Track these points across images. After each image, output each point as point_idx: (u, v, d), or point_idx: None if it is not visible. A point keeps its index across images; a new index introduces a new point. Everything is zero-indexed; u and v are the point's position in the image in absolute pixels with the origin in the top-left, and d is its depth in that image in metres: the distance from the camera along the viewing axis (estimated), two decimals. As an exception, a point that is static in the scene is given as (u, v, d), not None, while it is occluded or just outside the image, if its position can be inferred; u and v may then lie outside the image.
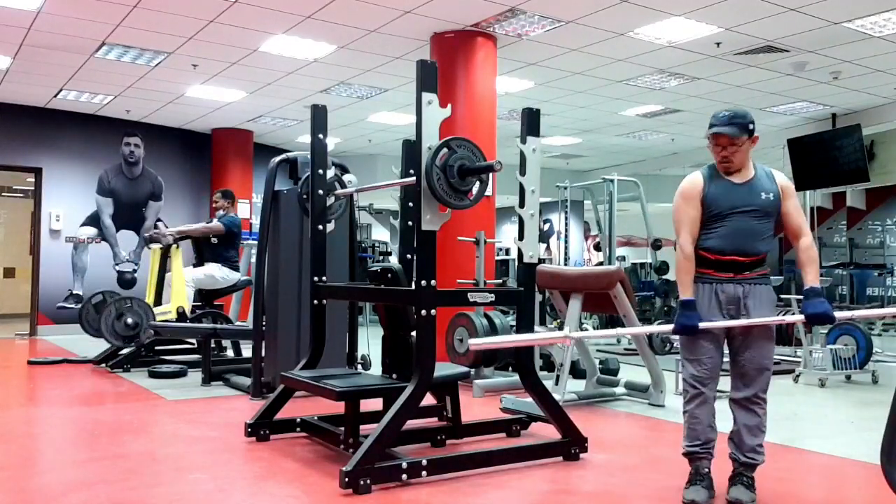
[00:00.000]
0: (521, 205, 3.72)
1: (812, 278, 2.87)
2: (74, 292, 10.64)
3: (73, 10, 6.64)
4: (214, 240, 7.33)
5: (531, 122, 3.75)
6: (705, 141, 3.10)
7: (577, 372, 5.86)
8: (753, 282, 2.95)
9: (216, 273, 7.26)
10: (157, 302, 7.17)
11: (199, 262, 7.55)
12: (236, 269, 7.43)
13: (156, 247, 7.46)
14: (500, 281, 8.42)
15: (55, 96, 9.73)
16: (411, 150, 4.46)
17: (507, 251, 15.07)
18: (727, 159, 2.95)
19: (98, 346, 7.41)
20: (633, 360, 6.75)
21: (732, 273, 2.93)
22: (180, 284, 7.06)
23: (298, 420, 4.20)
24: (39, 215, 10.58)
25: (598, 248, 12.23)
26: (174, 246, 7.22)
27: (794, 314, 7.06)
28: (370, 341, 6.77)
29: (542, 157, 3.87)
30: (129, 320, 6.68)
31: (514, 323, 4.43)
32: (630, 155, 13.80)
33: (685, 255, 2.95)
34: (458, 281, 6.16)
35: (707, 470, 2.99)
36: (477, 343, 3.73)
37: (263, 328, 5.47)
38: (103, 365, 6.94)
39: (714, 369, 2.96)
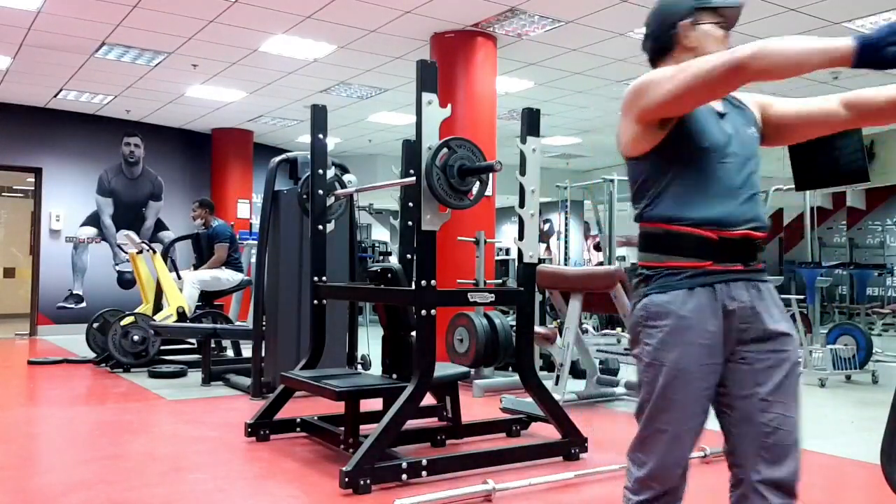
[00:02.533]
0: (521, 205, 3.72)
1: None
2: (74, 292, 10.64)
3: (73, 10, 6.64)
4: (209, 252, 7.40)
5: (531, 122, 3.75)
6: None
7: (577, 372, 5.86)
8: (764, 280, 1.73)
9: (222, 275, 7.29)
10: (158, 307, 7.19)
11: (199, 264, 7.56)
12: (240, 269, 7.46)
13: (131, 251, 7.53)
14: (500, 281, 8.42)
15: (55, 96, 9.73)
16: (411, 150, 4.46)
17: (507, 251, 15.06)
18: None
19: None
20: (632, 360, 6.73)
21: (742, 263, 1.68)
22: (171, 286, 7.09)
23: (298, 420, 4.20)
24: (39, 215, 10.58)
25: (598, 248, 12.24)
26: (148, 251, 7.39)
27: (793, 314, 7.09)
28: (370, 341, 6.77)
29: (542, 157, 3.87)
30: (136, 337, 6.69)
31: (514, 323, 4.42)
32: (630, 155, 13.79)
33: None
34: (458, 281, 6.16)
35: None
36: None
37: (263, 328, 5.47)
38: (103, 365, 6.95)
39: (690, 450, 1.74)
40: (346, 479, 3.06)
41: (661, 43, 1.80)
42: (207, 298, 7.39)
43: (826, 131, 1.83)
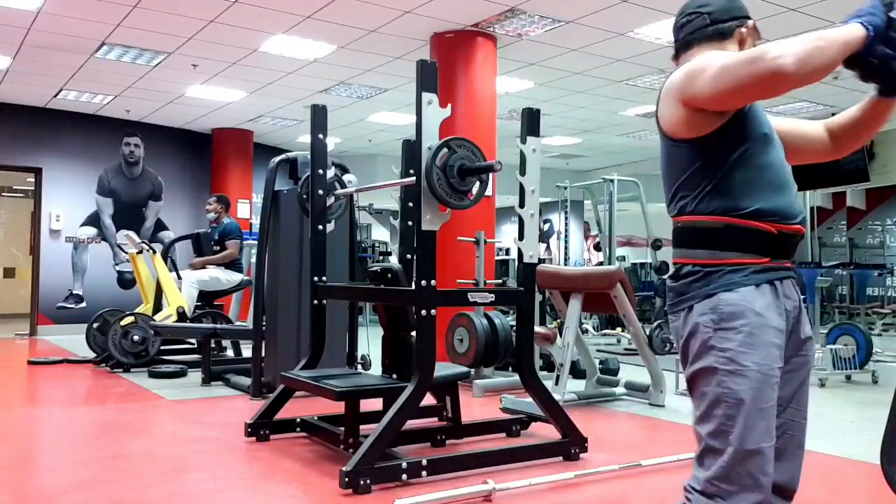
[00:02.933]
0: (521, 205, 3.72)
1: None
2: (74, 292, 10.64)
3: (73, 10, 6.64)
4: (216, 248, 7.40)
5: (531, 122, 3.75)
6: None
7: (577, 372, 5.86)
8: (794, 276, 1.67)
9: (221, 275, 7.30)
10: (158, 307, 7.20)
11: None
12: (240, 269, 7.47)
13: (131, 251, 7.54)
14: (500, 281, 8.43)
15: (55, 96, 9.73)
16: (411, 150, 4.46)
17: (507, 251, 15.08)
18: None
19: (98, 346, 7.42)
20: (633, 360, 6.74)
21: (790, 260, 1.63)
22: (171, 286, 7.11)
23: (298, 420, 4.20)
24: (39, 215, 10.58)
25: (598, 248, 12.24)
26: (148, 251, 7.40)
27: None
28: (370, 341, 6.77)
29: (542, 157, 3.87)
30: (136, 337, 6.69)
31: (514, 323, 4.42)
32: (630, 155, 13.80)
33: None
34: (458, 281, 6.16)
35: None
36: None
37: (263, 328, 5.47)
38: (103, 365, 6.95)
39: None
40: (346, 479, 3.06)
41: (720, 28, 1.70)
42: (207, 298, 7.40)
43: (810, 157, 1.78)
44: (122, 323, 6.76)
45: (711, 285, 1.55)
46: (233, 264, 7.40)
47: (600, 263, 11.38)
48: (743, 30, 1.70)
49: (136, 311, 7.18)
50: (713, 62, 1.52)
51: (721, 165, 1.57)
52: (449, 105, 3.44)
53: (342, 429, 3.77)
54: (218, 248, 7.40)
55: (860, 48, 1.40)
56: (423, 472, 3.25)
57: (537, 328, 4.75)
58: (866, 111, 1.65)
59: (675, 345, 1.70)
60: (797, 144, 1.75)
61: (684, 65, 1.62)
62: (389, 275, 3.88)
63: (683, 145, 1.61)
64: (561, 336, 5.16)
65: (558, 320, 6.79)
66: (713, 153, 1.57)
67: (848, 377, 6.37)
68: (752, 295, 1.53)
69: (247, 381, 5.60)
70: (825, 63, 1.39)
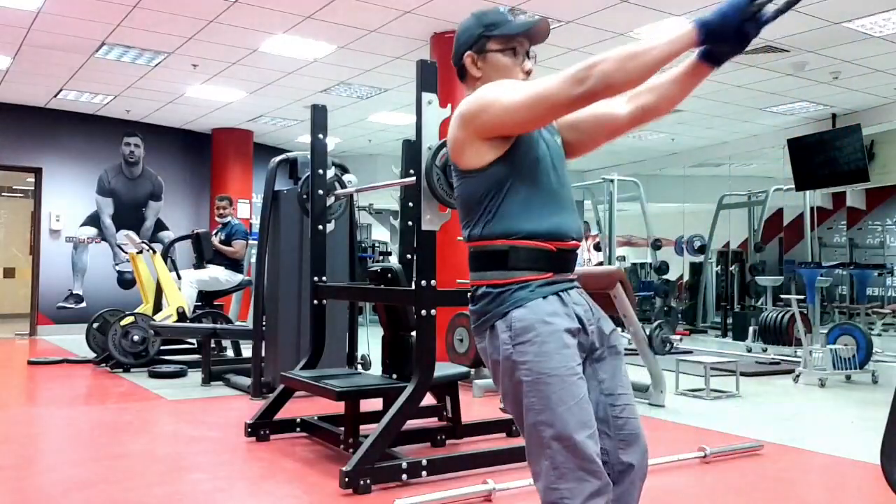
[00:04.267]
0: (521, 205, 3.72)
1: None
2: (74, 292, 10.64)
3: (73, 10, 6.64)
4: (218, 244, 7.40)
5: (531, 122, 3.74)
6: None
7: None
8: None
9: (220, 275, 7.31)
10: (158, 307, 7.21)
11: (199, 264, 7.57)
12: (240, 270, 7.48)
13: (131, 251, 7.55)
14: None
15: (55, 96, 9.72)
16: (411, 150, 4.45)
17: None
18: (530, 77, 1.80)
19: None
20: (632, 360, 6.74)
21: (571, 272, 1.75)
22: (171, 286, 7.11)
23: (298, 420, 4.20)
24: (39, 215, 10.58)
25: (598, 248, 12.24)
26: (147, 251, 7.42)
27: (793, 313, 7.10)
28: (370, 341, 6.77)
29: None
30: (136, 337, 6.70)
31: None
32: (630, 155, 13.79)
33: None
34: (458, 281, 6.16)
35: None
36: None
37: (263, 328, 5.47)
38: (103, 365, 6.95)
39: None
40: (346, 479, 3.07)
41: (458, 71, 1.85)
42: (207, 298, 7.40)
43: (614, 134, 1.83)
44: (122, 323, 6.77)
45: (504, 304, 1.65)
46: (234, 264, 7.40)
47: (600, 263, 11.38)
48: (465, 62, 1.83)
49: (136, 311, 7.18)
50: (504, 88, 1.63)
51: (499, 192, 1.67)
52: (449, 105, 3.44)
53: (342, 429, 3.78)
54: (221, 245, 7.41)
55: (696, 42, 1.48)
56: (423, 472, 3.26)
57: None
58: (686, 75, 1.67)
59: (486, 365, 1.76)
60: (594, 130, 1.82)
61: (471, 96, 1.70)
62: (389, 275, 3.88)
63: (471, 176, 1.70)
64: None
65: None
66: (494, 181, 1.67)
67: (848, 377, 6.37)
68: (539, 306, 1.64)
69: (247, 381, 5.60)
70: (638, 75, 1.50)
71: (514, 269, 1.66)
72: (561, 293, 1.68)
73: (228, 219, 7.51)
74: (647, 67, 1.49)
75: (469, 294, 1.76)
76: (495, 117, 1.62)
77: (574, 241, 1.72)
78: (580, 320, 1.69)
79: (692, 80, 1.67)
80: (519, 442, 4.06)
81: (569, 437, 1.57)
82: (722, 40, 1.49)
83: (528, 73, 1.78)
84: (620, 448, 1.71)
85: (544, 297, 1.65)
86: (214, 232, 7.65)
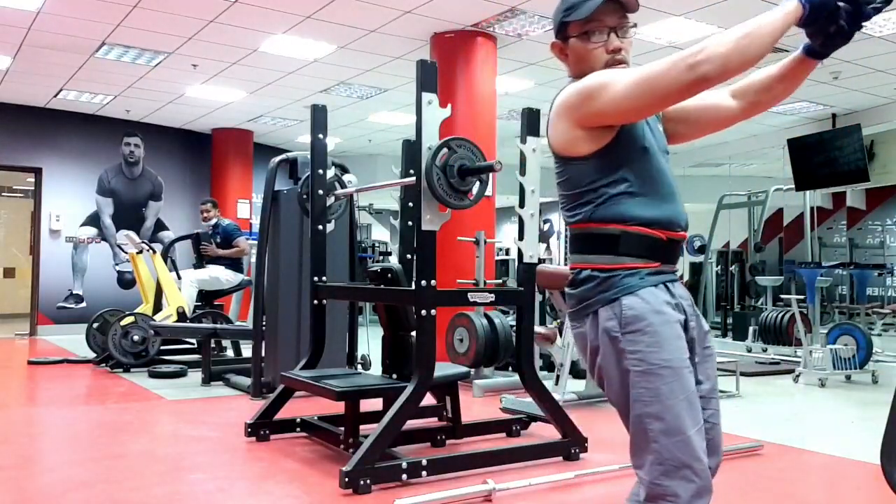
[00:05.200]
0: (521, 205, 3.72)
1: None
2: (74, 292, 10.64)
3: (73, 10, 6.64)
4: (218, 250, 7.40)
5: (531, 122, 3.75)
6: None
7: (577, 372, 5.86)
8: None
9: (221, 275, 7.30)
10: (158, 307, 7.21)
11: (199, 263, 7.57)
12: (241, 269, 7.47)
13: (131, 251, 7.55)
14: (500, 281, 8.42)
15: (55, 96, 9.72)
16: (411, 150, 4.47)
17: (507, 251, 15.07)
18: (622, 56, 1.70)
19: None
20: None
21: (675, 265, 1.71)
22: (171, 286, 7.11)
23: (298, 420, 4.20)
24: (39, 215, 10.58)
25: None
26: (147, 251, 7.42)
27: (792, 314, 7.10)
28: (370, 341, 6.77)
29: (542, 157, 3.87)
30: (136, 337, 6.69)
31: (514, 323, 4.43)
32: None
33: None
34: (458, 281, 6.16)
35: None
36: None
37: (263, 328, 5.47)
38: (103, 365, 6.95)
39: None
40: (346, 479, 3.07)
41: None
42: (207, 298, 7.40)
43: (723, 125, 1.80)
44: (122, 323, 6.76)
45: (612, 290, 1.61)
46: (234, 263, 7.39)
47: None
48: (554, 50, 1.81)
49: (136, 311, 7.18)
50: (613, 77, 1.58)
51: (609, 179, 1.63)
52: (449, 105, 3.45)
53: (342, 429, 3.78)
54: (221, 247, 7.41)
55: (800, 17, 1.44)
56: (423, 472, 3.26)
57: (537, 328, 4.76)
58: (790, 68, 1.65)
59: (580, 351, 1.73)
60: (704, 120, 1.78)
61: (574, 85, 1.67)
62: (389, 275, 3.88)
63: (574, 163, 1.67)
64: (561, 336, 5.16)
65: (558, 320, 6.80)
66: (602, 168, 1.63)
67: (848, 377, 6.37)
68: (652, 295, 1.60)
69: (247, 381, 5.60)
70: (753, 55, 1.43)
71: (626, 254, 1.62)
72: (668, 284, 1.64)
73: (215, 220, 7.49)
74: (763, 45, 1.43)
75: (570, 278, 1.71)
76: (602, 107, 1.58)
77: (683, 232, 1.68)
78: (686, 314, 1.66)
79: (798, 75, 1.65)
80: (519, 442, 4.07)
81: (678, 431, 1.53)
82: (823, 17, 1.45)
83: (614, 51, 1.68)
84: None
85: (655, 286, 1.61)
86: (203, 240, 7.60)
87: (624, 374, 1.59)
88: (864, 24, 1.48)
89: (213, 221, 7.50)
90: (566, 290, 1.73)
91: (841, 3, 1.45)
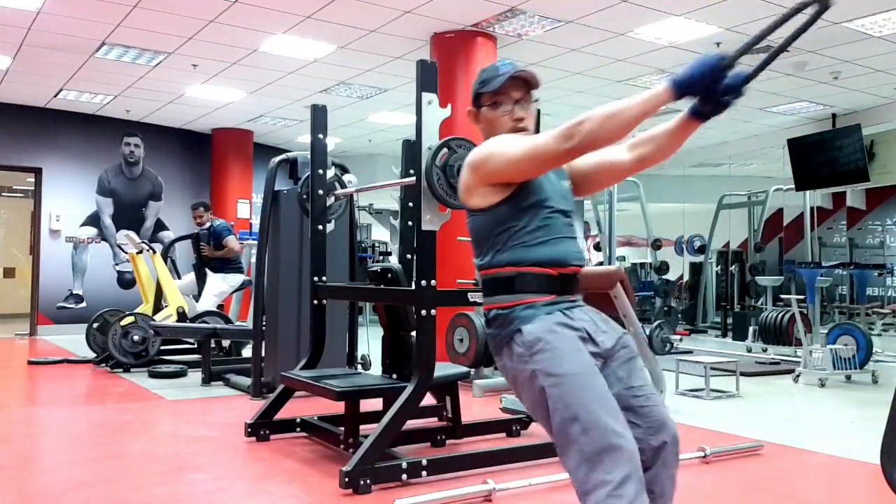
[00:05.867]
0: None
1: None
2: (74, 292, 10.64)
3: (73, 10, 6.64)
4: (214, 253, 7.38)
5: (531, 122, 3.74)
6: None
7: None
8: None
9: (223, 287, 7.28)
10: (158, 307, 7.20)
11: (199, 264, 7.56)
12: (241, 270, 7.45)
13: (131, 251, 7.54)
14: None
15: (55, 96, 9.72)
16: (411, 150, 4.46)
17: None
18: (523, 123, 1.95)
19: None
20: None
21: (573, 294, 1.91)
22: (171, 286, 7.10)
23: (298, 420, 4.20)
24: (39, 215, 10.58)
25: (597, 248, 12.24)
26: (147, 251, 7.42)
27: (792, 314, 7.10)
28: (370, 341, 6.77)
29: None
30: (136, 337, 6.69)
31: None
32: (630, 155, 13.81)
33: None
34: (458, 281, 6.16)
35: None
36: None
37: (263, 328, 5.47)
38: (103, 365, 6.95)
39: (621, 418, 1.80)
40: (346, 479, 3.07)
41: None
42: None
43: (617, 179, 2.07)
44: (122, 323, 6.77)
45: (514, 323, 1.82)
46: (234, 265, 7.36)
47: (600, 263, 11.38)
48: (469, 117, 2.03)
49: (136, 311, 7.18)
50: (505, 143, 1.84)
51: (505, 228, 1.87)
52: (449, 105, 3.45)
53: (342, 429, 3.77)
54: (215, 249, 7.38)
55: (671, 97, 1.62)
56: (423, 472, 3.26)
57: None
58: (677, 129, 1.83)
59: (510, 383, 1.92)
60: (599, 176, 2.01)
61: (479, 147, 1.91)
62: (389, 275, 3.88)
63: (477, 215, 1.92)
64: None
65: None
66: (500, 219, 1.87)
67: (848, 377, 6.37)
68: (544, 321, 1.81)
69: (247, 381, 5.60)
70: (619, 131, 1.67)
71: (521, 291, 1.84)
72: (565, 311, 1.84)
73: (209, 224, 7.43)
74: (626, 125, 1.66)
75: (485, 319, 1.93)
76: (498, 167, 1.83)
77: (575, 267, 1.89)
78: (587, 332, 1.83)
79: (683, 133, 1.82)
80: (519, 442, 4.07)
81: (594, 425, 1.68)
82: (694, 95, 1.64)
83: (517, 119, 1.93)
84: (650, 434, 1.81)
85: (549, 313, 1.81)
86: (202, 241, 7.58)
87: (541, 393, 1.77)
88: (743, 92, 1.66)
89: (207, 224, 7.46)
90: (487, 331, 1.94)
91: (716, 81, 1.62)
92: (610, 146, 1.78)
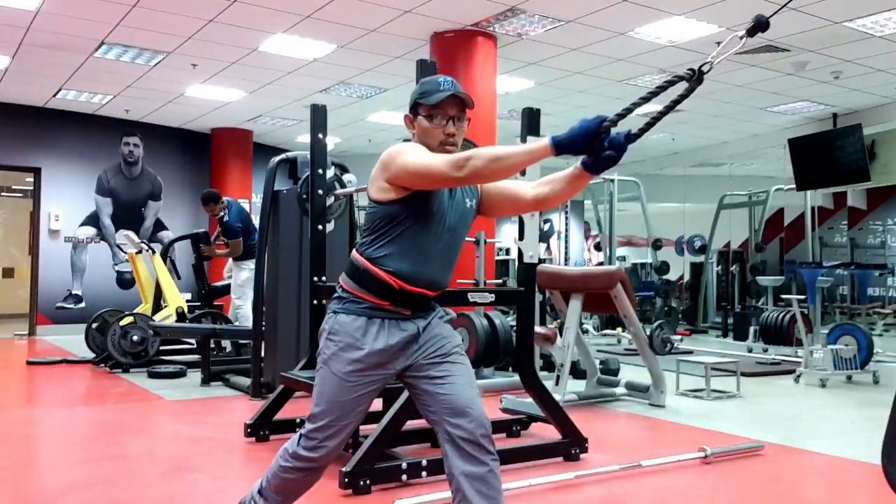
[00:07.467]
0: (522, 205, 3.71)
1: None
2: (74, 292, 10.63)
3: (72, 10, 6.63)
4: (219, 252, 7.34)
5: (531, 122, 3.74)
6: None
7: (577, 372, 5.86)
8: (428, 315, 2.14)
9: (247, 273, 7.04)
10: (157, 307, 7.19)
11: (199, 264, 7.55)
12: (252, 256, 7.31)
13: (131, 251, 7.53)
14: (500, 281, 8.42)
15: (54, 96, 9.72)
16: (411, 149, 4.45)
17: (507, 251, 15.06)
18: (453, 140, 2.10)
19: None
20: (633, 360, 6.74)
21: (412, 311, 2.08)
22: (170, 286, 7.09)
23: (298, 420, 4.18)
24: (38, 215, 10.57)
25: (598, 248, 12.24)
26: (146, 251, 7.39)
27: (793, 314, 7.10)
28: (370, 341, 6.73)
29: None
30: (135, 337, 6.68)
31: (514, 323, 4.42)
32: (630, 155, 13.69)
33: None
34: (458, 281, 6.16)
35: None
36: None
37: (263, 328, 5.46)
38: (102, 365, 6.94)
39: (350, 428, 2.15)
40: (346, 480, 3.06)
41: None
42: (207, 299, 7.38)
43: (519, 210, 2.32)
44: (122, 323, 6.76)
45: (339, 304, 2.08)
46: (250, 251, 7.07)
47: (600, 263, 11.38)
48: (405, 122, 2.23)
49: (136, 311, 7.17)
50: (409, 152, 1.99)
51: (392, 226, 2.03)
52: (449, 105, 3.43)
53: (342, 429, 3.76)
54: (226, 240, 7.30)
55: (551, 153, 1.78)
56: (423, 473, 3.25)
57: (537, 328, 4.75)
58: (571, 178, 2.00)
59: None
60: (502, 203, 2.18)
61: (395, 146, 2.07)
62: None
63: (377, 206, 2.07)
64: (561, 336, 5.15)
65: (558, 320, 6.79)
66: (392, 216, 2.03)
67: (849, 377, 6.36)
68: (357, 322, 2.04)
69: (246, 381, 5.59)
70: (501, 172, 1.87)
71: (362, 287, 2.05)
72: (386, 319, 2.04)
73: (222, 214, 7.28)
74: (508, 169, 1.85)
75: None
76: (398, 171, 1.98)
77: (421, 290, 2.05)
78: (392, 346, 2.04)
79: (576, 183, 2.00)
80: (519, 442, 4.07)
81: (325, 413, 2.06)
82: (573, 153, 1.79)
83: (449, 134, 2.09)
84: (445, 418, 2.03)
85: (369, 317, 2.04)
86: (215, 236, 7.55)
87: (320, 364, 2.10)
88: (625, 149, 1.81)
89: (221, 214, 7.31)
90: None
91: (596, 140, 1.76)
92: (489, 182, 2.03)
